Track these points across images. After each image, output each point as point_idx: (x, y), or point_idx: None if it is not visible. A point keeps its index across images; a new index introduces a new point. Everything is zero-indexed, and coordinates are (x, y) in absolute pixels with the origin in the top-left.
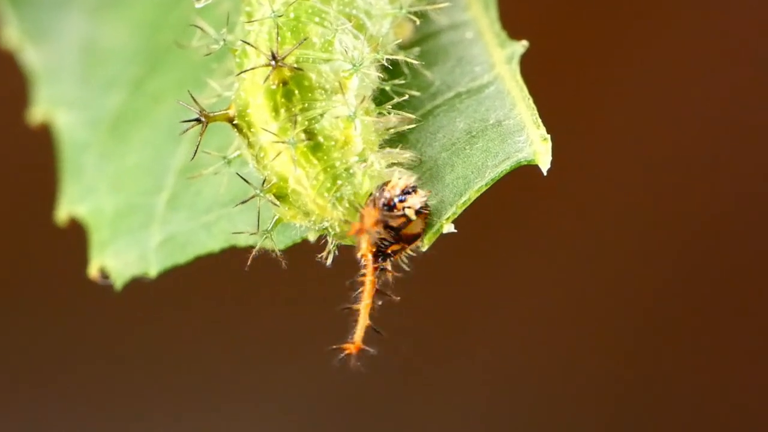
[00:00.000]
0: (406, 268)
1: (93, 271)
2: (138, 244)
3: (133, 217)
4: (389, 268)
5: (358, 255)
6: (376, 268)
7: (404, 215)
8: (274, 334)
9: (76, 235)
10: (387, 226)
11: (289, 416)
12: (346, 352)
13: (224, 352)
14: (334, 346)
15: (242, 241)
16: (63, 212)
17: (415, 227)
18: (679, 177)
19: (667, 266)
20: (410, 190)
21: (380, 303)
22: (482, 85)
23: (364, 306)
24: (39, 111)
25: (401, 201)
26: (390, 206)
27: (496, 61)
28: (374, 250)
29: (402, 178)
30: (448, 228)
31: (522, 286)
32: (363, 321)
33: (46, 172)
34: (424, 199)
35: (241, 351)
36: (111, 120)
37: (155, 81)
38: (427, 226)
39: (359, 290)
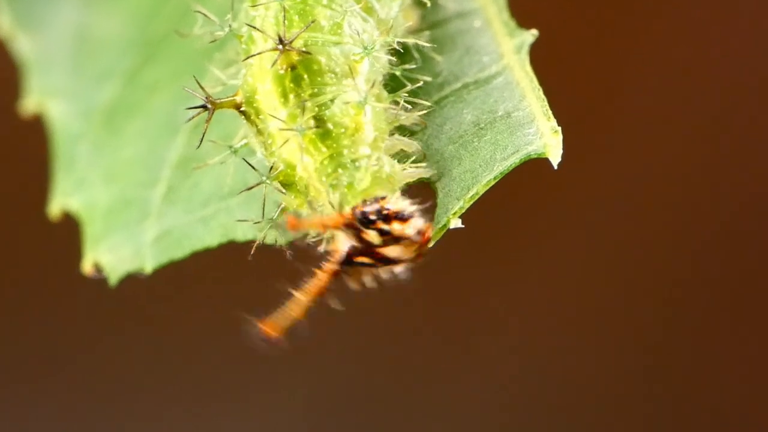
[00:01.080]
0: (371, 286)
1: (87, 266)
2: (133, 238)
3: (127, 210)
4: (351, 277)
5: (328, 248)
6: (334, 270)
7: (369, 235)
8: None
9: (69, 229)
10: (358, 237)
11: (289, 418)
12: (259, 329)
13: (224, 351)
14: (248, 316)
15: (241, 235)
16: (55, 205)
17: (394, 252)
18: (696, 169)
19: (684, 263)
20: (403, 216)
21: (314, 309)
22: (490, 76)
23: (299, 298)
24: (31, 101)
25: (384, 220)
26: (366, 220)
27: (505, 50)
28: (343, 252)
29: (400, 202)
30: (455, 223)
31: (530, 285)
32: (290, 311)
33: (38, 164)
34: (419, 228)
35: (241, 350)
36: (105, 111)
37: (151, 71)
38: (418, 255)
39: (309, 278)
